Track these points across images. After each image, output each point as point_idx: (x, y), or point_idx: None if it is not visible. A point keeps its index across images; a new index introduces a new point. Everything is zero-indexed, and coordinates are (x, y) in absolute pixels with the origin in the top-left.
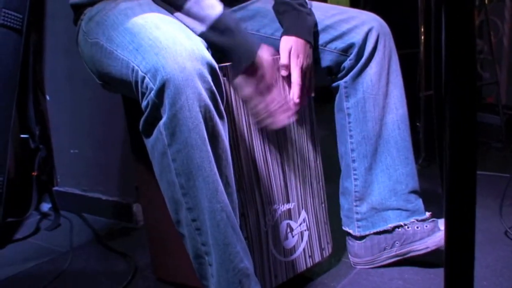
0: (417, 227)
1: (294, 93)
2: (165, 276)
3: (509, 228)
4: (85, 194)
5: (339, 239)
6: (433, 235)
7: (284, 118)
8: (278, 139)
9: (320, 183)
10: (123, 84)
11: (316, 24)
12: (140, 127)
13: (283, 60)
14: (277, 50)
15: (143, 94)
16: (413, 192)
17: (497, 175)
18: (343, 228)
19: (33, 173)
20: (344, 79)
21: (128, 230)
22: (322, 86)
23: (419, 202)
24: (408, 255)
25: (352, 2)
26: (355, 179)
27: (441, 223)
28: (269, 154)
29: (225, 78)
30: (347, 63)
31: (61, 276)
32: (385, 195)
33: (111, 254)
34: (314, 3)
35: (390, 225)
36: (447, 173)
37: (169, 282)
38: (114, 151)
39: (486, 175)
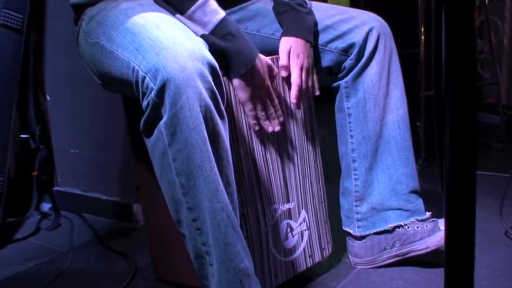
0: (417, 227)
1: (292, 93)
2: (165, 276)
3: (509, 228)
4: (85, 194)
5: (339, 239)
6: (433, 235)
7: (274, 125)
8: (278, 139)
9: (320, 183)
10: (124, 84)
11: (316, 24)
12: (141, 127)
13: (283, 60)
14: (277, 50)
15: (144, 94)
16: (414, 192)
17: (497, 175)
18: (343, 228)
19: (33, 173)
20: (345, 79)
21: (128, 230)
22: (322, 86)
23: (420, 202)
24: (409, 255)
25: (352, 2)
26: (356, 179)
27: (441, 223)
28: (269, 154)
29: (225, 78)
30: (347, 63)
31: (61, 276)
32: (386, 195)
33: (111, 254)
34: (314, 3)
35: (390, 225)
36: (447, 173)
37: (169, 282)
38: (114, 151)
39: (486, 175)
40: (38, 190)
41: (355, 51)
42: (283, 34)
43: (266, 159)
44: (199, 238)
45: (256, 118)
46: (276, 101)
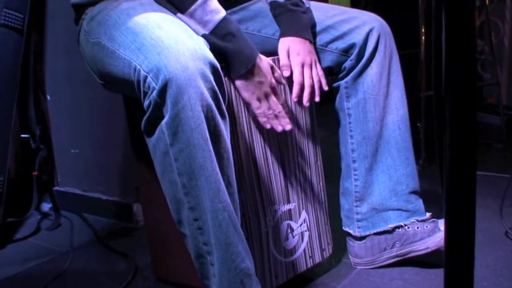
0: (418, 228)
1: (294, 92)
2: (166, 276)
3: (509, 228)
4: (85, 194)
5: (340, 239)
6: (433, 235)
7: (284, 123)
8: (278, 139)
9: (321, 183)
10: (125, 83)
11: (315, 24)
12: (142, 126)
13: (283, 60)
14: (278, 51)
15: (145, 93)
16: (414, 192)
17: (497, 175)
18: (344, 228)
19: (33, 173)
20: (345, 80)
21: (129, 230)
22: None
23: (420, 203)
24: (409, 255)
25: (353, 2)
26: (356, 179)
27: (441, 223)
28: (269, 154)
29: (226, 78)
30: (347, 64)
31: (61, 276)
32: (386, 195)
33: (112, 254)
34: (314, 3)
35: (390, 226)
36: (447, 173)
37: (169, 282)
38: (115, 151)
39: (487, 175)
40: (38, 190)
41: (355, 51)
42: (281, 36)
43: (267, 159)
44: (201, 238)
45: (265, 116)
46: (283, 97)
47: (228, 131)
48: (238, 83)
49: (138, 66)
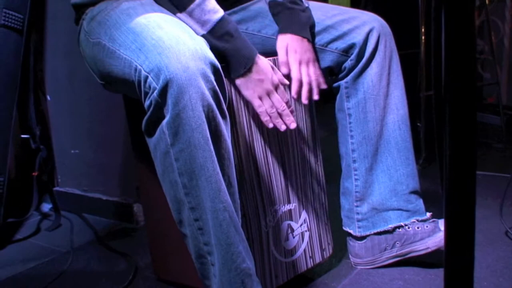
0: (418, 228)
1: (293, 89)
2: (166, 276)
3: (510, 228)
4: (85, 195)
5: (340, 239)
6: (433, 235)
7: (288, 122)
8: (279, 139)
9: (321, 183)
10: (125, 83)
11: (315, 24)
12: (143, 126)
13: (281, 57)
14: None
15: (146, 93)
16: (414, 192)
17: (497, 175)
18: (344, 228)
19: (33, 174)
20: (345, 80)
21: (129, 230)
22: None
23: (420, 203)
24: (409, 255)
25: (353, 2)
26: (356, 179)
27: (441, 223)
28: (269, 155)
29: (227, 78)
30: (347, 64)
31: (61, 277)
32: (386, 195)
33: (112, 255)
34: (314, 3)
35: (390, 226)
36: (447, 173)
37: (169, 283)
38: (115, 152)
39: (487, 175)
40: (39, 190)
41: (355, 51)
42: (279, 33)
43: (267, 159)
44: (201, 238)
45: (268, 114)
46: (287, 96)
47: (229, 131)
48: (238, 82)
49: (139, 66)
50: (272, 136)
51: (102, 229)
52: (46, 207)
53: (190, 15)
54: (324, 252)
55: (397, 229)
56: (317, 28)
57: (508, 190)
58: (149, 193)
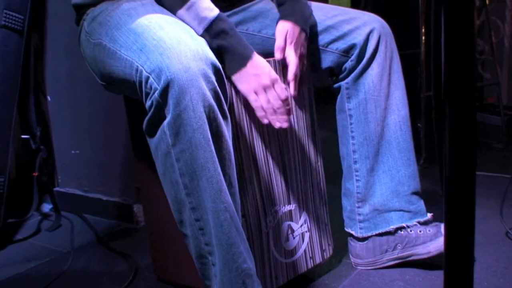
0: (420, 231)
1: (291, 71)
2: (166, 277)
3: (510, 229)
4: (86, 195)
5: (340, 239)
6: (435, 240)
7: (281, 120)
8: (279, 140)
9: (321, 184)
10: (126, 84)
11: (316, 24)
12: (144, 127)
13: (279, 42)
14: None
15: (147, 94)
16: (415, 193)
17: (498, 175)
18: (346, 229)
19: (34, 174)
20: (346, 80)
21: (129, 230)
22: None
23: (421, 204)
24: (410, 258)
25: (353, 3)
26: (357, 180)
27: (443, 227)
28: (270, 155)
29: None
30: (348, 64)
31: (61, 277)
32: (387, 196)
33: (112, 255)
34: (315, 3)
35: (392, 227)
36: (447, 173)
37: (170, 283)
38: (115, 152)
39: (487, 175)
40: (39, 190)
41: (355, 52)
42: (281, 19)
43: (267, 160)
44: (202, 238)
45: (263, 110)
46: (286, 93)
47: (230, 132)
48: (233, 77)
49: (140, 67)
50: (273, 137)
51: (102, 229)
52: (47, 207)
53: (189, 9)
54: (324, 253)
55: (399, 231)
56: (317, 29)
57: (508, 190)
58: (149, 193)
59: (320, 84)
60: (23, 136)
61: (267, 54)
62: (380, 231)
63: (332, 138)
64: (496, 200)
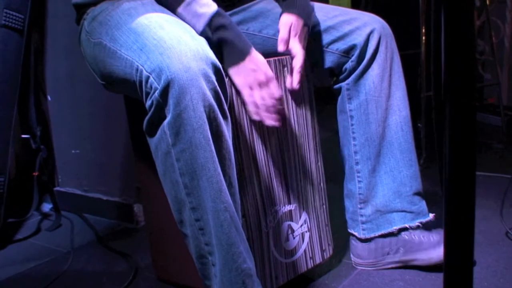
0: (423, 237)
1: (298, 62)
2: (166, 277)
3: (510, 229)
4: (86, 195)
5: (340, 239)
6: (438, 247)
7: (272, 118)
8: (279, 140)
9: (321, 184)
10: (127, 84)
11: (319, 23)
12: (144, 126)
13: (283, 34)
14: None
15: (147, 93)
16: (417, 194)
17: (498, 176)
18: (348, 230)
19: (34, 174)
20: (346, 81)
21: (129, 230)
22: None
23: (423, 204)
24: (411, 263)
25: (353, 3)
26: (359, 181)
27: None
28: (270, 155)
29: (228, 79)
30: (348, 65)
31: (61, 277)
32: (390, 197)
33: (112, 255)
34: (316, 4)
35: (395, 228)
36: (447, 173)
37: (170, 283)
38: (115, 152)
39: (487, 175)
40: (39, 190)
41: (356, 52)
42: (285, 11)
43: (268, 160)
44: (202, 238)
45: (256, 106)
46: (280, 92)
47: (230, 132)
48: (231, 70)
49: (140, 67)
50: (273, 137)
51: (102, 229)
52: (47, 207)
53: (188, 6)
54: (324, 253)
55: (402, 232)
56: (318, 29)
57: (509, 191)
58: (149, 193)
59: (320, 84)
60: (23, 136)
61: (268, 54)
62: (383, 232)
63: (332, 139)
64: (496, 200)
